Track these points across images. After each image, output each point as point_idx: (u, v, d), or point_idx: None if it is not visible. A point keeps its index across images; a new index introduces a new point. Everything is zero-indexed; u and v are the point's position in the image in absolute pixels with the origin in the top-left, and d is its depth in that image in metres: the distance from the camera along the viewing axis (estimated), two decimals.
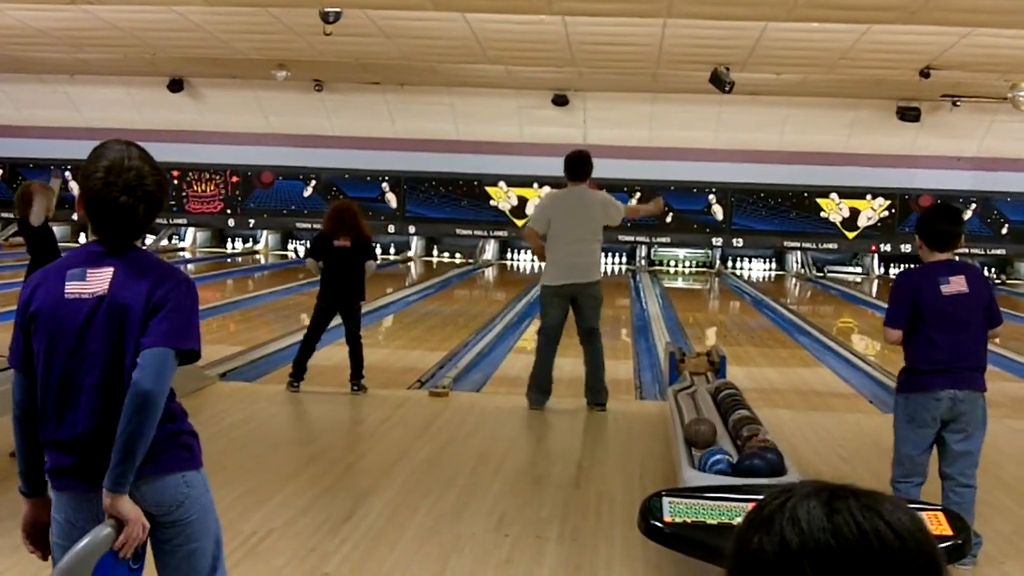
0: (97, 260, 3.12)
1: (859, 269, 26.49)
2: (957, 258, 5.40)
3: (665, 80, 20.28)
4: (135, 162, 3.15)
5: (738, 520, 3.87)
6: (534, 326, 15.15)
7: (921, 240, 5.40)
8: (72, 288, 3.08)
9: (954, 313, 5.25)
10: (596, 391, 8.64)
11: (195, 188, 26.94)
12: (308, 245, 11.44)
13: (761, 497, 1.35)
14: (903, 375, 5.45)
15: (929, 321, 5.25)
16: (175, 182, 26.76)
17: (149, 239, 27.67)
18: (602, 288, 8.82)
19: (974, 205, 25.27)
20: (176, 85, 23.78)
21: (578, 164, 8.80)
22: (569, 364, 9.21)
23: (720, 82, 17.74)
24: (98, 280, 3.08)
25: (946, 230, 5.38)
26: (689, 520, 3.90)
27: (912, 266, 6.08)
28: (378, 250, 27.37)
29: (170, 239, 28.22)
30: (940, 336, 5.24)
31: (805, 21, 13.74)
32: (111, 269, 3.09)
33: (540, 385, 8.72)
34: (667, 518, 3.93)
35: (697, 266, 26.47)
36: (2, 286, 17.11)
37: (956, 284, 5.27)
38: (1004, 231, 25.48)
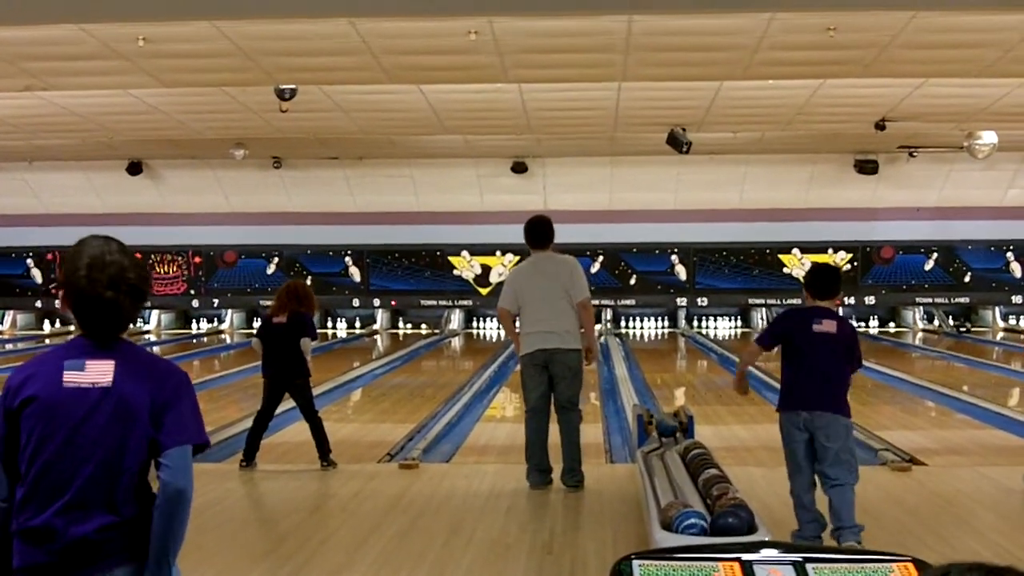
0: (93, 353, 3.11)
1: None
2: (838, 309, 6.68)
3: (623, 143, 20.43)
4: (115, 256, 3.15)
5: None
6: (502, 394, 15.20)
7: (807, 291, 6.76)
8: (71, 377, 3.06)
9: (819, 347, 6.39)
10: (571, 471, 8.14)
11: (158, 270, 26.81)
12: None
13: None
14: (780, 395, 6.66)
15: (798, 350, 6.48)
16: None
17: None
18: (581, 357, 8.30)
19: (936, 254, 25.53)
20: (135, 168, 23.74)
21: (538, 230, 8.59)
22: (522, 429, 9.13)
23: (677, 143, 17.89)
24: (99, 372, 3.08)
25: (824, 284, 6.68)
26: None
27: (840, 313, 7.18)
28: (342, 324, 27.39)
29: (134, 322, 28.00)
30: (804, 365, 6.42)
31: (759, 79, 13.91)
32: (112, 362, 3.09)
33: (537, 464, 8.23)
34: None
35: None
36: None
37: (827, 326, 6.45)
38: (967, 279, 25.69)
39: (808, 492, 6.44)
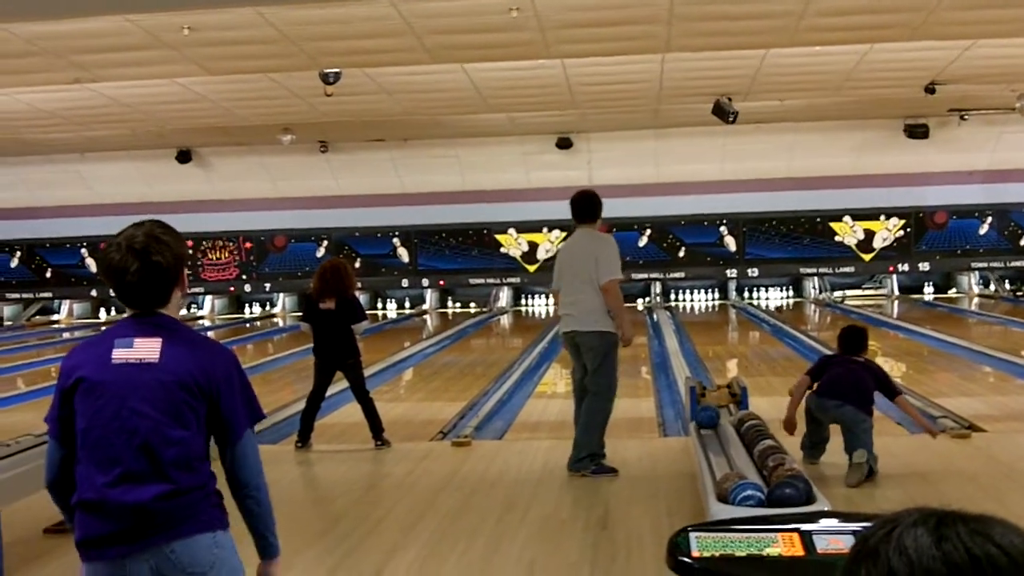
0: (142, 331, 3.23)
1: (883, 290, 26.27)
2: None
3: (668, 115, 20.32)
4: (147, 233, 3.28)
5: (768, 551, 3.82)
6: (552, 370, 15.19)
7: (838, 346, 8.08)
8: (120, 354, 3.18)
9: (851, 365, 7.71)
10: (575, 454, 7.89)
11: (209, 256, 27.05)
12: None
13: (867, 527, 1.30)
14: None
15: (834, 368, 7.78)
16: (189, 252, 26.88)
17: None
18: (608, 340, 7.90)
19: (990, 218, 25.18)
20: (184, 156, 23.96)
21: (579, 205, 8.32)
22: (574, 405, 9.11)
23: (723, 113, 17.76)
24: (147, 349, 3.18)
25: (852, 343, 7.95)
26: (717, 554, 3.83)
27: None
28: (392, 304, 27.53)
29: (188, 308, 28.29)
30: (837, 375, 7.64)
31: (806, 45, 13.76)
32: (159, 340, 3.20)
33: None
34: (695, 553, 3.87)
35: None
36: (28, 364, 17.16)
37: (855, 363, 7.75)
38: (1023, 242, 25.33)
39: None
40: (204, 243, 26.79)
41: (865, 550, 1.26)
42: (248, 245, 26.90)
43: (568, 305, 8.04)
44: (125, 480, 3.11)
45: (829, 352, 9.95)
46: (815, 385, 7.76)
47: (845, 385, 7.52)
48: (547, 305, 26.83)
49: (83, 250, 27.63)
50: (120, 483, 3.11)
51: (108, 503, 3.11)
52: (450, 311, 26.83)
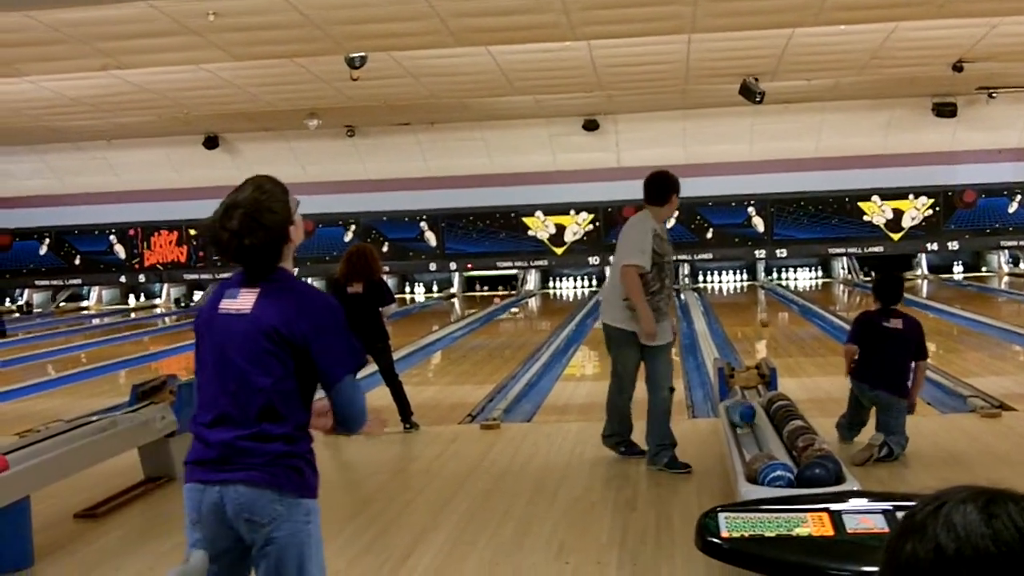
0: (247, 283, 3.44)
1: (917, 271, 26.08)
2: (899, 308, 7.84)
3: (695, 96, 20.25)
4: (243, 196, 3.43)
5: (797, 531, 3.82)
6: (581, 352, 15.19)
7: (875, 296, 7.93)
8: (225, 304, 3.42)
9: (887, 338, 7.57)
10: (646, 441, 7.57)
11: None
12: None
13: (913, 504, 1.30)
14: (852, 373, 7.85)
15: (868, 345, 7.68)
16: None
17: (197, 295, 27.95)
18: (618, 332, 7.46)
19: (1019, 196, 25.00)
20: (211, 142, 24.06)
21: (645, 186, 7.61)
22: (603, 387, 9.10)
23: (750, 93, 17.69)
24: (246, 299, 3.39)
25: (889, 292, 7.81)
26: (747, 534, 3.83)
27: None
28: (420, 288, 27.61)
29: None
30: (874, 356, 7.60)
31: (832, 24, 13.68)
32: (257, 291, 3.40)
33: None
34: (724, 533, 3.87)
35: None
36: (58, 351, 17.28)
37: (894, 324, 7.63)
38: None
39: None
40: None
41: (912, 525, 1.26)
42: None
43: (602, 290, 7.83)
44: (219, 423, 3.35)
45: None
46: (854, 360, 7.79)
47: (879, 369, 7.54)
48: (575, 288, 26.82)
49: (111, 237, 27.79)
50: (215, 425, 3.35)
51: (202, 436, 3.37)
52: (478, 294, 26.85)
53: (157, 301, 28.37)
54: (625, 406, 7.72)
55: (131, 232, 27.69)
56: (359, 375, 3.50)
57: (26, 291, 27.42)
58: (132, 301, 28.56)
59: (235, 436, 3.30)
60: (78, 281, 28.36)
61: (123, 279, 27.99)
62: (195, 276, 27.88)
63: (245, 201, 3.39)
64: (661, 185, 7.49)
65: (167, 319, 25.19)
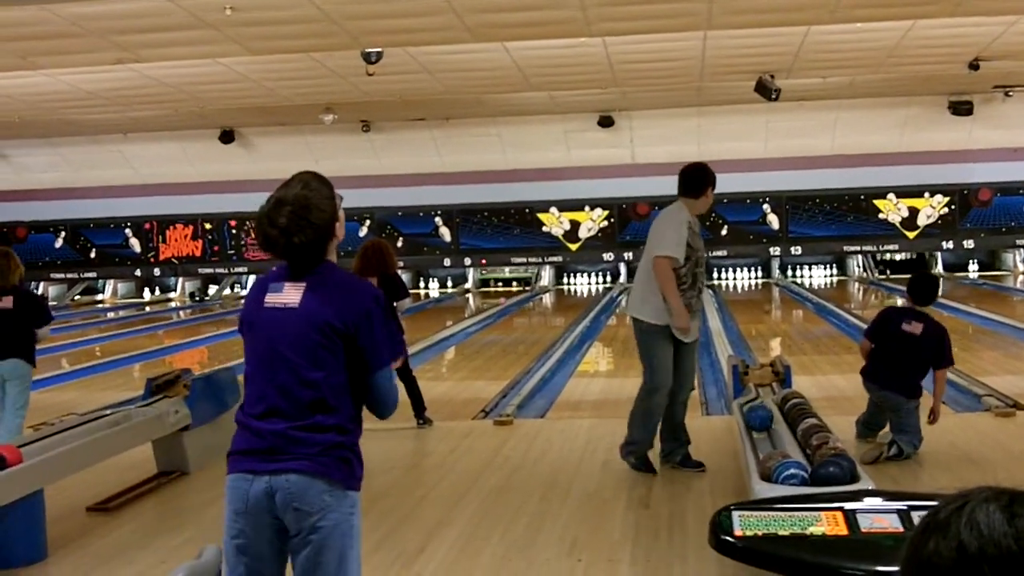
0: (292, 276, 3.46)
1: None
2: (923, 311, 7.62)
3: (710, 93, 20.22)
4: (292, 193, 3.48)
5: (811, 530, 3.81)
6: (595, 348, 15.19)
7: (908, 294, 7.78)
8: (271, 299, 3.45)
9: (901, 342, 7.47)
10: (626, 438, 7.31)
11: (253, 236, 27.20)
12: None
13: (936, 504, 1.30)
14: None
15: (881, 344, 7.65)
16: (232, 231, 27.13)
17: (212, 288, 28.01)
18: (650, 327, 7.18)
19: None
20: (227, 136, 24.09)
21: (681, 176, 7.39)
22: (617, 383, 9.12)
23: (766, 90, 17.65)
24: (292, 293, 3.42)
25: (921, 292, 7.67)
26: (760, 533, 3.83)
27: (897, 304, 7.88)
28: (434, 283, 27.66)
29: (232, 288, 28.49)
30: (884, 356, 7.57)
31: (848, 22, 13.64)
32: (304, 284, 3.42)
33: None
34: (738, 532, 3.87)
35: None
36: (72, 344, 17.34)
37: (913, 327, 7.47)
38: None
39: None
40: (247, 223, 26.95)
41: (935, 523, 1.27)
42: None
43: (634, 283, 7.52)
44: (269, 415, 3.38)
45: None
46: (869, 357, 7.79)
47: (889, 370, 7.50)
48: (589, 284, 26.81)
49: (127, 230, 27.88)
50: (265, 416, 3.39)
51: (252, 427, 3.41)
52: (492, 289, 26.87)
53: (172, 295, 28.46)
54: (674, 410, 7.29)
55: (147, 226, 27.78)
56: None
57: (41, 284, 27.52)
58: (147, 295, 28.65)
59: (288, 427, 3.35)
60: (93, 274, 28.46)
61: (138, 272, 28.08)
62: (210, 270, 27.95)
63: (293, 198, 3.44)
64: (698, 177, 7.29)
65: (182, 313, 25.27)
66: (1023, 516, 1.22)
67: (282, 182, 3.55)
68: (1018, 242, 25.50)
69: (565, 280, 27.22)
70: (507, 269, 27.52)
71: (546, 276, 26.88)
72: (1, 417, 7.89)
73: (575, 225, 26.00)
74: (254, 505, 3.35)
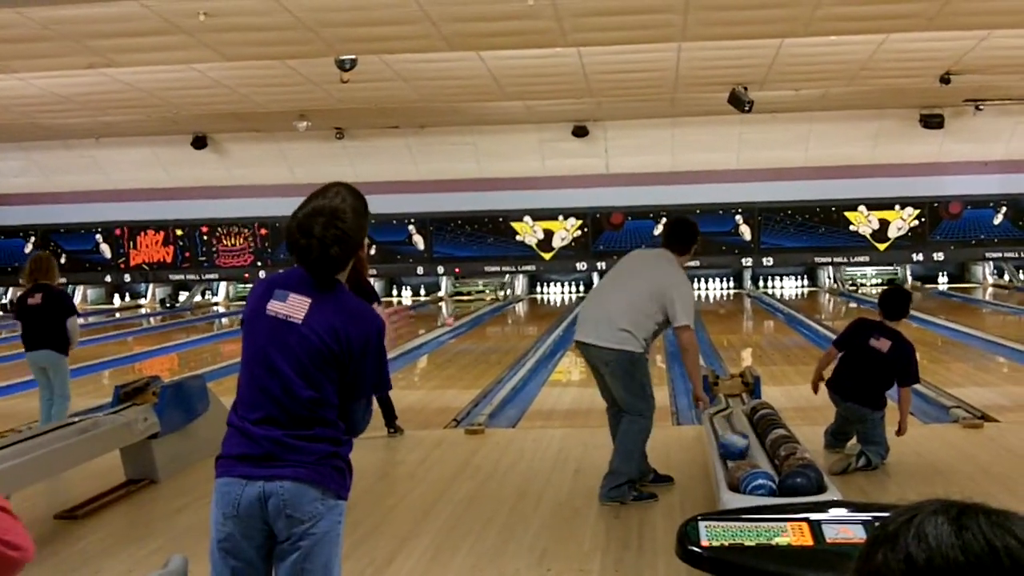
0: (300, 287, 3.42)
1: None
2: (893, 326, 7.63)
3: (684, 104, 20.29)
4: (328, 204, 3.41)
5: (777, 540, 3.83)
6: (567, 358, 15.20)
7: (879, 307, 7.83)
8: (273, 306, 3.41)
9: (867, 356, 7.50)
10: (612, 477, 6.85)
11: (225, 243, 27.12)
12: None
13: (887, 516, 1.32)
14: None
15: (848, 356, 7.69)
16: (204, 238, 27.04)
17: (182, 295, 27.89)
18: (638, 360, 6.89)
19: (1004, 208, 25.12)
20: (200, 142, 23.99)
21: (675, 229, 7.30)
22: (589, 393, 9.10)
23: (739, 102, 17.73)
24: (296, 306, 3.38)
25: (892, 306, 7.73)
26: (727, 543, 3.85)
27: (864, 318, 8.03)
28: (407, 291, 27.59)
29: (203, 294, 28.39)
30: (850, 369, 7.61)
31: (821, 35, 13.72)
32: (309, 300, 3.38)
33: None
34: (704, 542, 3.89)
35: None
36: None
37: (880, 343, 7.48)
38: None
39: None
40: (219, 229, 26.89)
41: (884, 535, 1.28)
42: (264, 232, 26.96)
43: (592, 309, 7.09)
44: (266, 422, 3.37)
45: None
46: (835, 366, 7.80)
47: (853, 382, 7.54)
48: (563, 293, 26.86)
49: (98, 236, 27.74)
50: (261, 423, 3.37)
51: (248, 431, 3.39)
52: (466, 298, 26.88)
53: (142, 301, 28.32)
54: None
55: (117, 231, 27.64)
56: None
57: (10, 290, 27.33)
58: (117, 301, 28.50)
59: (284, 434, 3.35)
60: (63, 280, 28.22)
61: (108, 278, 27.93)
62: (181, 276, 27.84)
63: (331, 210, 3.39)
64: (691, 235, 7.17)
65: (152, 319, 25.14)
66: (971, 528, 1.23)
67: (318, 188, 3.50)
68: (987, 255, 25.72)
69: (538, 289, 27.25)
70: (481, 282, 27.56)
71: (519, 285, 26.91)
72: (51, 401, 9.10)
73: (549, 234, 26.04)
74: (246, 510, 3.34)
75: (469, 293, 27.49)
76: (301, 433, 3.35)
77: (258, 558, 3.40)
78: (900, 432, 7.51)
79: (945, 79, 17.22)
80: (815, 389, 7.88)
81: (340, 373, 3.37)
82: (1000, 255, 25.69)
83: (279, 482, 3.31)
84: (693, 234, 7.19)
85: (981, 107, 21.59)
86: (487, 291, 27.35)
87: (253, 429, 3.37)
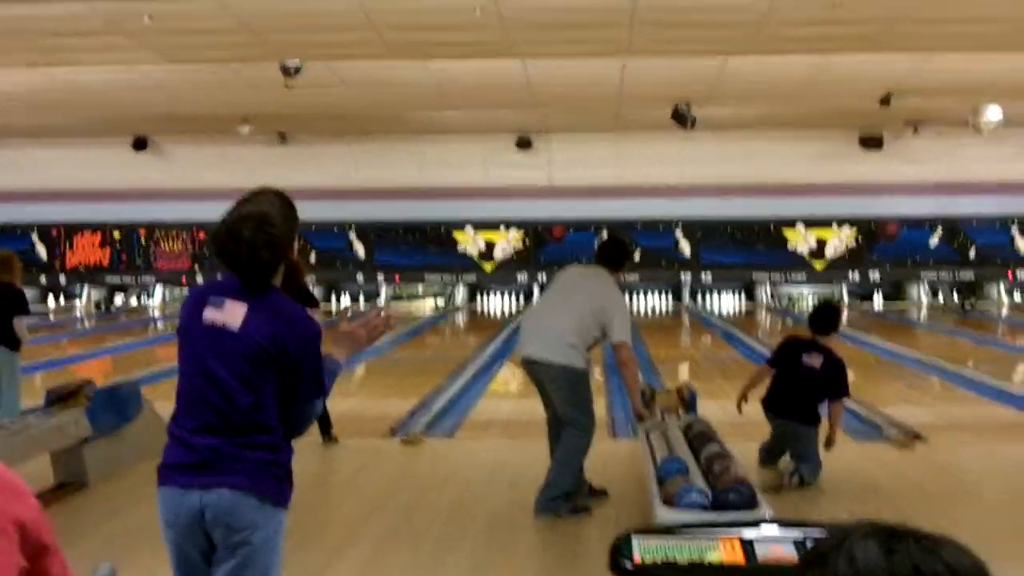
0: (235, 294, 3.40)
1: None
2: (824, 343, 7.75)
3: (628, 118, 20.39)
4: (254, 209, 3.43)
5: (709, 558, 3.85)
6: (506, 369, 15.20)
7: (809, 323, 7.92)
8: (209, 314, 3.39)
9: (801, 374, 7.61)
10: (549, 489, 6.82)
11: (163, 246, 26.85)
12: None
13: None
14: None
15: (781, 374, 7.79)
16: (142, 241, 26.76)
17: (118, 298, 27.57)
18: (573, 373, 6.90)
19: (940, 229, 25.48)
20: (140, 144, 23.73)
21: (609, 249, 7.41)
22: (527, 404, 9.11)
23: (682, 118, 17.85)
24: (233, 313, 3.36)
25: (821, 322, 7.84)
26: (659, 560, 3.86)
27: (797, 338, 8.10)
28: (346, 298, 27.38)
29: (139, 298, 28.08)
30: (784, 386, 7.74)
31: (764, 54, 13.85)
32: (245, 306, 3.37)
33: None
34: (636, 558, 3.90)
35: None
36: None
37: (812, 360, 7.61)
38: (971, 254, 25.66)
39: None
40: (157, 232, 26.62)
41: (815, 557, 1.29)
42: (202, 236, 26.73)
43: (538, 326, 7.04)
44: (204, 430, 3.36)
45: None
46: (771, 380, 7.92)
47: (787, 400, 7.67)
48: (503, 304, 26.87)
49: (33, 236, 27.36)
50: (199, 432, 3.36)
51: (186, 440, 3.38)
52: (405, 306, 26.81)
53: (77, 303, 27.96)
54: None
55: (53, 232, 27.29)
56: None
57: None
58: (52, 303, 28.11)
59: (221, 442, 3.34)
60: None
61: (43, 280, 27.55)
62: (117, 279, 27.52)
63: (260, 215, 3.39)
64: (621, 252, 7.35)
65: (87, 322, 24.82)
66: (900, 551, 1.25)
67: (247, 193, 3.52)
68: (923, 275, 26.09)
69: (479, 299, 27.24)
70: (420, 286, 27.51)
71: (460, 295, 26.89)
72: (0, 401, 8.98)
73: (490, 245, 26.06)
74: (185, 518, 3.35)
75: (409, 298, 27.41)
76: (239, 441, 3.34)
77: (203, 564, 3.40)
78: (829, 444, 7.59)
79: (885, 101, 17.44)
80: (739, 407, 7.93)
81: (279, 377, 3.37)
82: (935, 275, 26.08)
83: (217, 490, 3.31)
84: (625, 252, 7.43)
85: (919, 129, 21.89)
86: (428, 294, 27.32)
87: (191, 438, 3.36)
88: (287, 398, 3.41)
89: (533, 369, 6.95)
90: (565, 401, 6.85)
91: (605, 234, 24.95)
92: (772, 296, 26.49)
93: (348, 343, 3.70)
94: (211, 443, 3.33)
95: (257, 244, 3.34)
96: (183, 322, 3.48)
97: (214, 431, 3.34)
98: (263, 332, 3.33)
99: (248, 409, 3.34)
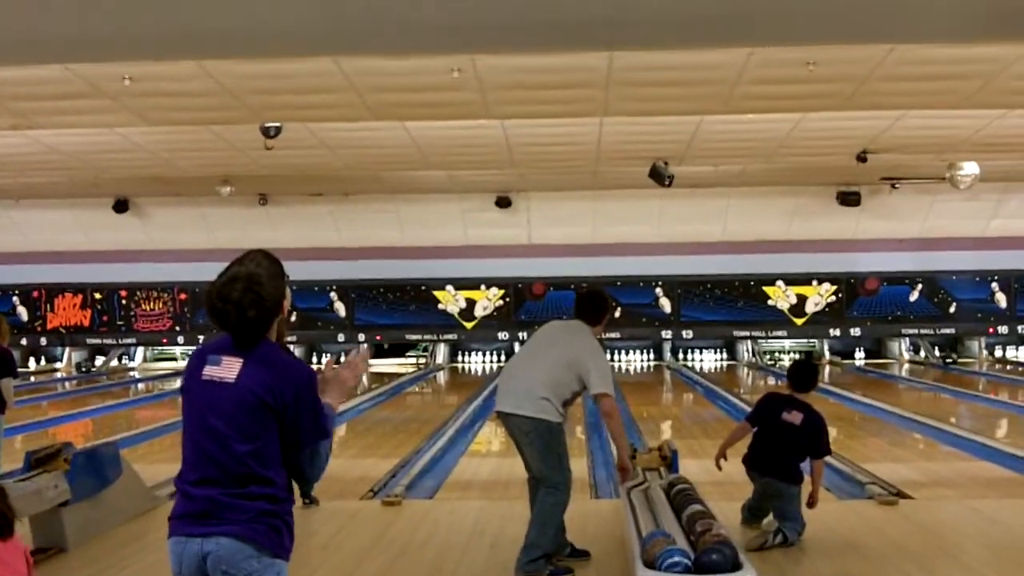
0: (231, 350, 3.55)
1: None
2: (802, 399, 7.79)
3: (606, 177, 20.50)
4: (244, 271, 3.58)
5: None
6: (487, 428, 15.15)
7: (788, 380, 7.96)
8: (208, 371, 3.54)
9: (781, 430, 7.62)
10: (529, 551, 6.70)
11: (143, 307, 26.78)
12: None
13: None
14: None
15: (762, 431, 7.83)
16: (123, 302, 26.69)
17: (99, 359, 27.43)
18: (544, 426, 6.80)
19: (920, 285, 25.61)
20: (121, 206, 23.74)
21: (587, 302, 7.38)
22: (508, 464, 9.09)
23: (659, 176, 17.94)
24: (229, 367, 3.51)
25: (801, 379, 7.90)
26: None
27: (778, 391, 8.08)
28: (328, 359, 27.45)
29: (120, 359, 27.96)
30: (765, 444, 7.76)
31: (740, 113, 13.97)
32: (241, 360, 3.52)
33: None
34: None
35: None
36: None
37: (792, 416, 7.63)
38: (952, 310, 25.78)
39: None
40: (138, 293, 26.55)
41: None
42: (183, 296, 26.68)
43: (512, 379, 6.99)
44: (204, 482, 3.48)
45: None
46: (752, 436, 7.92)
47: (768, 457, 7.66)
48: (484, 362, 26.83)
49: (14, 298, 27.25)
50: (199, 483, 3.48)
51: (189, 493, 3.51)
52: (386, 366, 26.74)
53: (58, 365, 27.82)
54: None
55: (35, 294, 27.20)
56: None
57: None
58: (32, 364, 27.96)
59: (220, 492, 3.44)
60: None
61: (24, 341, 27.40)
62: (98, 340, 27.40)
63: (247, 275, 3.55)
64: (600, 306, 7.29)
65: (67, 384, 24.69)
66: None
67: (238, 256, 3.65)
68: (903, 331, 26.18)
69: (460, 358, 27.21)
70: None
71: (440, 354, 26.86)
72: None
73: (471, 303, 26.07)
74: (188, 567, 3.45)
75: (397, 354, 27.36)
76: (236, 491, 3.44)
77: None
78: (811, 504, 7.58)
79: (862, 157, 17.57)
80: (718, 464, 7.93)
81: (278, 425, 3.48)
82: (916, 331, 26.17)
83: (216, 539, 3.41)
84: (604, 306, 7.33)
85: (897, 185, 22.04)
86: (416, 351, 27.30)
87: (192, 490, 3.49)
88: (291, 445, 3.52)
89: (507, 423, 6.91)
90: (538, 458, 6.76)
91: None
92: (753, 353, 26.53)
93: (337, 387, 3.79)
94: (209, 493, 3.44)
95: (244, 304, 3.49)
96: (185, 382, 3.63)
97: (213, 482, 3.45)
98: (257, 381, 3.46)
99: (245, 457, 3.44)
